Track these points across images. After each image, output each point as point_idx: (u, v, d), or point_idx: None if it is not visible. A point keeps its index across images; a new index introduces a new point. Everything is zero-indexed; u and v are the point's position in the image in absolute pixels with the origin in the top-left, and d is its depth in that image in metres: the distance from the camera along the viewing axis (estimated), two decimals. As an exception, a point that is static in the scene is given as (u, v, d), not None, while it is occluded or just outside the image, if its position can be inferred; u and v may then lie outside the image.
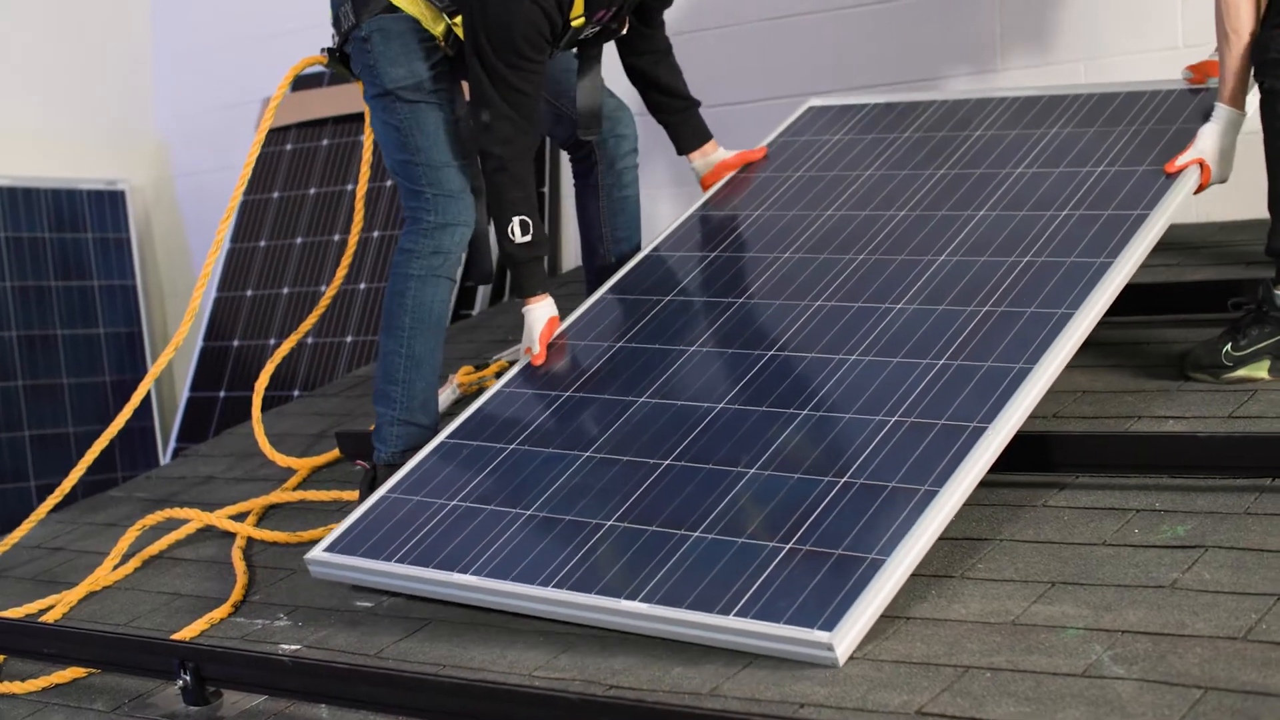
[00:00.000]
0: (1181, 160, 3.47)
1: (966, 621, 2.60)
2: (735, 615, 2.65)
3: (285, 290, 6.19)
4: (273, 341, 6.13)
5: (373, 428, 3.78)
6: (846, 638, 2.54)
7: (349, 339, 5.83)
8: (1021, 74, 4.83)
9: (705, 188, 4.12)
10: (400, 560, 3.16)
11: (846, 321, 3.35)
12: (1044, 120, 3.93)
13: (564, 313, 3.76)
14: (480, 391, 4.43)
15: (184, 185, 7.28)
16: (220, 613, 3.39)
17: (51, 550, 4.17)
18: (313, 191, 6.25)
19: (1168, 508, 2.85)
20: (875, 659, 2.55)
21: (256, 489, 4.20)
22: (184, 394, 6.39)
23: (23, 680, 3.31)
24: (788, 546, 2.75)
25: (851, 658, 2.56)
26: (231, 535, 3.84)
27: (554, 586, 2.89)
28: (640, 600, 2.77)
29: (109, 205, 6.93)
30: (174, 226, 7.33)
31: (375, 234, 5.99)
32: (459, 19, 3.58)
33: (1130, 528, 2.81)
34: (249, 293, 6.29)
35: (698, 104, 4.06)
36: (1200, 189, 3.49)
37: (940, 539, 2.79)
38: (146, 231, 7.27)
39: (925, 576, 2.77)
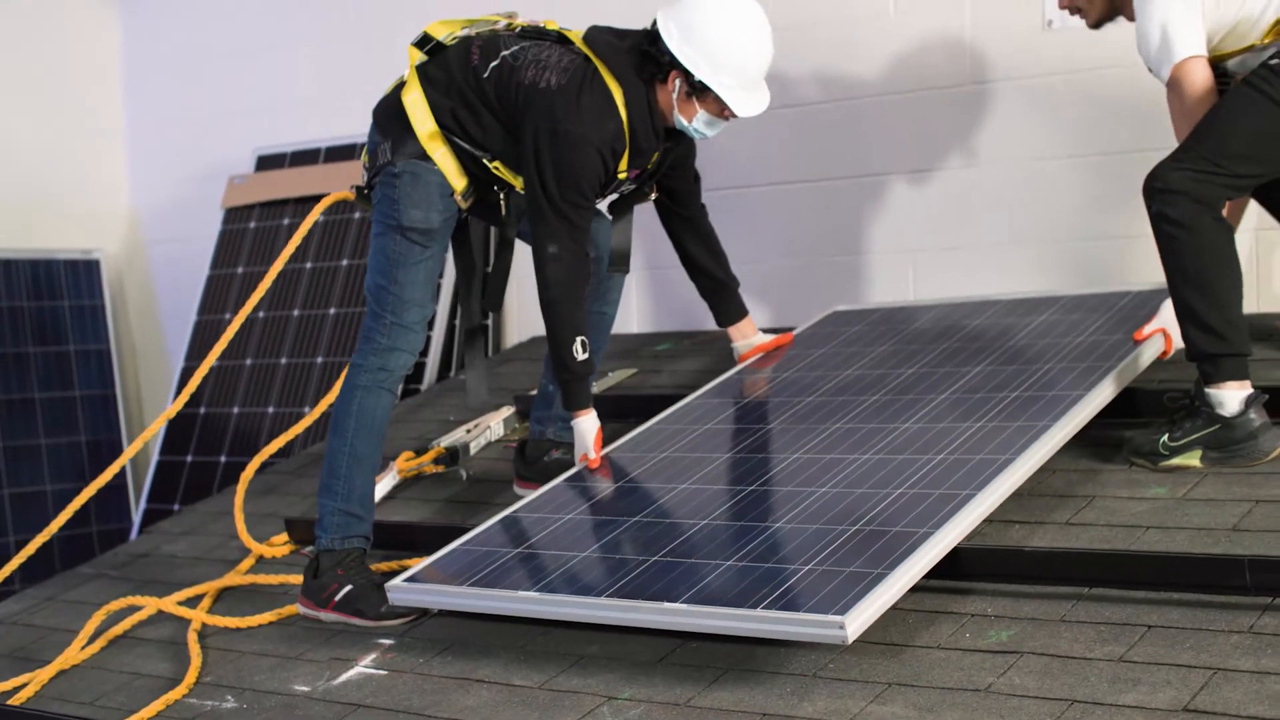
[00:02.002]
0: (1148, 329, 4.15)
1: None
2: (763, 608, 3.16)
3: (248, 362, 6.58)
4: (236, 410, 6.53)
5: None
6: (856, 620, 3.04)
7: (306, 409, 6.22)
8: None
9: (740, 362, 4.78)
10: (471, 585, 3.67)
11: (860, 437, 3.98)
12: (1034, 311, 4.61)
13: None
14: (420, 477, 4.85)
15: (155, 254, 7.67)
16: (175, 694, 3.78)
17: (26, 626, 4.57)
18: (275, 268, 6.62)
19: (998, 613, 3.26)
20: (731, 754, 2.95)
21: (214, 569, 4.60)
22: (154, 457, 6.78)
23: (-2, 757, 3.72)
24: (808, 566, 3.30)
25: (712, 752, 2.97)
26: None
27: (609, 596, 3.40)
28: (683, 602, 3.28)
29: (84, 274, 7.31)
30: (146, 293, 7.72)
31: (332, 311, 6.39)
32: (496, 163, 4.12)
33: (963, 632, 3.22)
34: (215, 364, 6.66)
35: (737, 284, 4.68)
36: (1164, 355, 4.16)
37: (801, 643, 3.21)
38: (120, 298, 7.66)
39: (784, 675, 3.18)
